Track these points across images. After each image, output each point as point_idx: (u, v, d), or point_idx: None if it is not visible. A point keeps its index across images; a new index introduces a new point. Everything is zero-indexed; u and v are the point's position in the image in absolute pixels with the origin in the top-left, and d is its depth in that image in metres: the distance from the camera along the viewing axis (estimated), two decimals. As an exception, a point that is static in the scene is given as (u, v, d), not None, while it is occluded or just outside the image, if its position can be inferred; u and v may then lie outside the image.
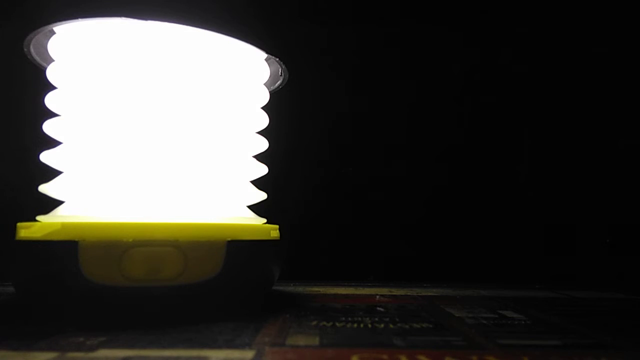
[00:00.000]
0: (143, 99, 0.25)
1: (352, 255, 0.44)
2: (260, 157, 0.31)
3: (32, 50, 0.27)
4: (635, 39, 0.44)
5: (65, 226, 0.22)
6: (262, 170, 0.31)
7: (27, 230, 0.23)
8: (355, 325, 0.22)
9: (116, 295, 0.22)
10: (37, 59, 0.28)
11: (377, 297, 0.31)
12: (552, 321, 0.24)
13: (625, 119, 0.44)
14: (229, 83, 0.28)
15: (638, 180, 0.44)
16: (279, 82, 0.33)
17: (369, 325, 0.22)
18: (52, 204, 0.26)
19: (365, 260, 0.44)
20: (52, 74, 0.27)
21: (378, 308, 0.27)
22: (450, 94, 0.45)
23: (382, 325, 0.22)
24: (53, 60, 0.27)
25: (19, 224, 0.24)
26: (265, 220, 0.30)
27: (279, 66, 0.30)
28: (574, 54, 0.45)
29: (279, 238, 0.28)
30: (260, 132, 0.31)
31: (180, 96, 0.26)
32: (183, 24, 0.24)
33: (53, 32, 0.26)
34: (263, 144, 0.30)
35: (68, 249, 0.21)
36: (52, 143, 0.27)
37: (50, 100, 0.27)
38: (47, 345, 0.18)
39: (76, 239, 0.21)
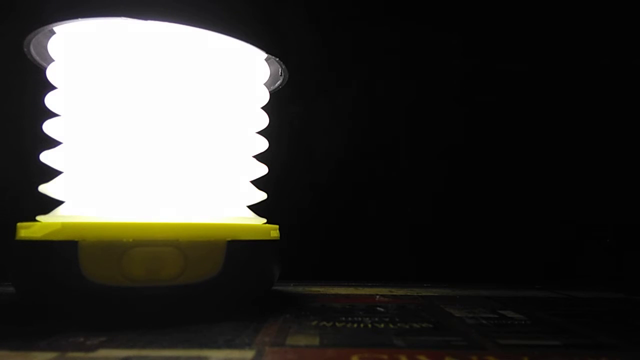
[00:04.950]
0: (143, 99, 0.25)
1: (352, 255, 0.44)
2: (260, 157, 0.31)
3: (32, 50, 0.27)
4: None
5: (65, 226, 0.22)
6: (262, 170, 0.31)
7: (27, 230, 0.23)
8: (355, 325, 0.22)
9: (116, 295, 0.22)
10: (37, 59, 0.28)
11: (377, 297, 0.31)
12: (552, 321, 0.24)
13: (625, 118, 0.44)
14: (229, 83, 0.28)
15: (638, 180, 0.44)
16: (279, 82, 0.33)
17: (369, 325, 0.22)
18: (52, 204, 0.26)
19: (365, 260, 0.44)
20: (52, 74, 0.27)
21: (378, 308, 0.27)
22: (450, 94, 0.45)
23: (382, 325, 0.22)
24: (53, 60, 0.27)
25: (19, 224, 0.24)
26: (265, 220, 0.30)
27: (279, 66, 0.30)
28: (575, 53, 0.45)
29: (279, 238, 0.28)
30: (260, 132, 0.31)
31: (180, 96, 0.26)
32: (183, 24, 0.24)
33: (53, 32, 0.26)
34: (263, 144, 0.30)
35: (68, 249, 0.21)
36: (52, 143, 0.27)
37: (50, 100, 0.27)
38: (47, 345, 0.18)
39: (76, 239, 0.21)
